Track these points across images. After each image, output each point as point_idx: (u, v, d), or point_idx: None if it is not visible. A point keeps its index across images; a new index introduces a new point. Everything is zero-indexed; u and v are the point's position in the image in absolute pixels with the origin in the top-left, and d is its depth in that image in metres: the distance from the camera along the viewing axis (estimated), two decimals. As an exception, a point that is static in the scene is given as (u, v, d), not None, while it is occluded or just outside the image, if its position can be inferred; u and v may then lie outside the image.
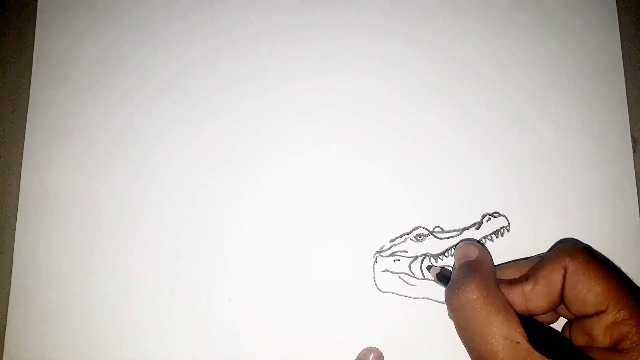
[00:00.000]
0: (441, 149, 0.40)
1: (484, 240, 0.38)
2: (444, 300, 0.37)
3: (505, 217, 0.38)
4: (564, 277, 0.30)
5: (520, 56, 0.41)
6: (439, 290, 0.38)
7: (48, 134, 0.41)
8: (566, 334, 0.33)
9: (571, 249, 0.31)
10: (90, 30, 0.42)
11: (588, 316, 0.30)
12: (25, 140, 0.41)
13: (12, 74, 0.42)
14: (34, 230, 0.39)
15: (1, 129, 0.41)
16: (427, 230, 0.38)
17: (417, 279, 0.38)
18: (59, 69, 0.42)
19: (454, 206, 0.39)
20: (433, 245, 0.38)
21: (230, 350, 0.38)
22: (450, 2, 0.42)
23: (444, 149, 0.40)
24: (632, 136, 0.40)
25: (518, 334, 0.28)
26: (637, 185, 0.39)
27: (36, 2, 0.43)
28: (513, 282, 0.32)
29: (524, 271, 0.33)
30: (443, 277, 0.35)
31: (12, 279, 0.39)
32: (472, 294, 0.30)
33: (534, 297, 0.31)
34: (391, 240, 0.38)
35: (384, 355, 0.37)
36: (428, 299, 0.38)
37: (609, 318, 0.28)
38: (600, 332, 0.29)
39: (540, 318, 0.33)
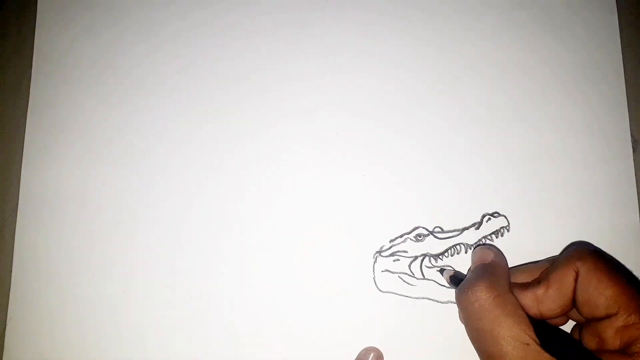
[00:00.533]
0: (441, 149, 0.40)
1: (484, 240, 0.38)
2: (444, 300, 0.37)
3: (505, 217, 0.38)
4: (576, 280, 0.30)
5: (520, 56, 0.41)
6: (439, 291, 0.38)
7: (48, 133, 0.41)
8: (575, 336, 0.33)
9: (582, 252, 0.31)
10: (90, 30, 0.42)
11: (599, 319, 0.30)
12: (25, 140, 0.41)
13: (12, 73, 0.42)
14: (34, 230, 0.39)
15: (1, 129, 0.41)
16: (427, 230, 0.38)
17: (417, 279, 0.38)
18: (59, 69, 0.42)
19: (454, 206, 0.39)
20: (433, 245, 0.38)
21: (230, 350, 0.38)
22: (450, 2, 0.42)
23: (444, 149, 0.40)
24: (632, 136, 0.40)
25: (528, 336, 0.28)
26: (637, 185, 0.39)
27: (36, 2, 0.43)
28: (525, 286, 0.32)
29: (536, 275, 0.33)
30: (456, 279, 0.35)
31: (12, 279, 0.39)
32: (483, 294, 0.30)
33: (546, 300, 0.31)
34: (391, 240, 0.38)
35: (384, 355, 0.37)
36: (428, 299, 0.38)
37: (619, 321, 0.28)
38: (611, 335, 0.29)
39: (550, 321, 0.33)
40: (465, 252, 0.38)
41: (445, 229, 0.38)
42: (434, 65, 0.41)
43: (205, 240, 0.39)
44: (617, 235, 0.38)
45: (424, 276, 0.38)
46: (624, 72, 0.41)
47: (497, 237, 0.38)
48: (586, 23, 0.41)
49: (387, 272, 0.38)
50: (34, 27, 0.42)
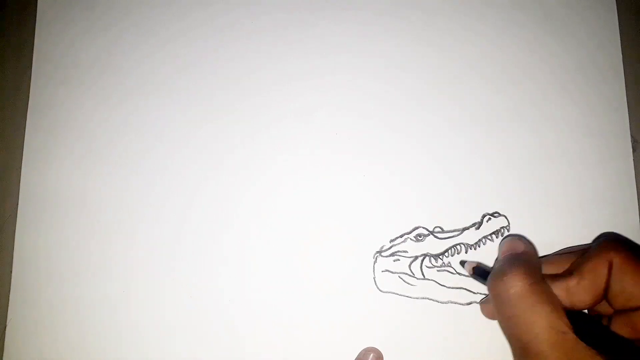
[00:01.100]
0: (441, 149, 0.40)
1: (484, 240, 0.38)
2: (444, 300, 0.37)
3: (505, 217, 0.38)
4: (609, 271, 0.30)
5: (520, 56, 0.41)
6: (439, 291, 0.38)
7: (48, 134, 0.41)
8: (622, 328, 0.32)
9: (616, 243, 0.31)
10: (89, 30, 0.42)
11: (633, 309, 0.29)
12: (25, 140, 0.41)
13: (12, 73, 0.42)
14: (34, 230, 0.39)
15: (1, 129, 0.41)
16: (427, 230, 0.38)
17: (417, 279, 0.38)
18: (59, 69, 0.42)
19: (454, 206, 0.39)
20: (433, 245, 0.38)
21: (230, 350, 0.38)
22: (450, 2, 0.42)
23: (444, 149, 0.40)
24: (631, 136, 0.40)
25: (564, 324, 0.28)
26: (637, 185, 0.39)
27: (36, 2, 0.43)
28: (556, 277, 0.31)
29: (565, 266, 0.32)
30: (480, 270, 0.35)
31: (12, 279, 0.39)
32: (519, 281, 0.29)
33: (578, 291, 0.30)
34: (391, 240, 0.38)
35: (384, 355, 0.37)
36: (428, 299, 0.38)
37: None
38: None
39: None
40: (466, 252, 0.38)
41: (445, 229, 0.38)
42: (434, 65, 0.41)
43: (205, 240, 0.39)
44: (617, 235, 0.38)
45: (424, 276, 0.38)
46: (624, 72, 0.41)
47: (497, 237, 0.38)
48: (586, 23, 0.41)
49: (387, 272, 0.38)
50: (34, 27, 0.42)
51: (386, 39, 0.42)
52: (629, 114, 0.40)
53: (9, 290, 0.39)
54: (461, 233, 0.38)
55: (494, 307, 0.31)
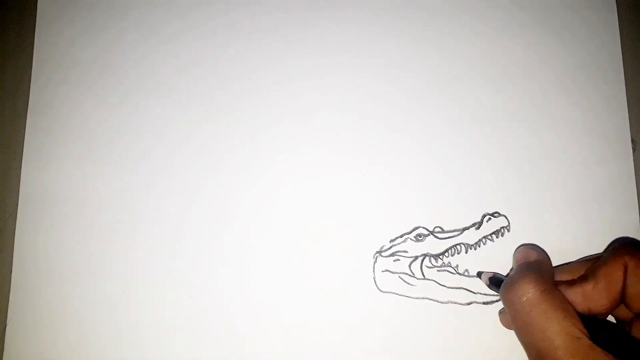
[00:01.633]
0: (441, 149, 0.40)
1: (484, 240, 0.38)
2: (444, 300, 0.37)
3: (505, 217, 0.38)
4: (625, 274, 0.30)
5: (520, 57, 0.41)
6: (439, 291, 0.38)
7: (48, 133, 0.41)
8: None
9: (630, 247, 0.31)
10: (89, 30, 0.42)
11: None
12: (25, 140, 0.41)
13: (12, 73, 0.42)
14: (33, 230, 0.39)
15: (1, 129, 0.41)
16: (427, 230, 0.38)
17: (417, 279, 0.38)
18: (59, 69, 0.42)
19: (454, 206, 0.39)
20: (433, 245, 0.38)
21: (229, 350, 0.38)
22: (450, 2, 0.42)
23: (444, 149, 0.40)
24: (631, 136, 0.40)
25: (578, 330, 0.28)
26: (636, 185, 0.39)
27: (36, 2, 0.43)
28: (572, 283, 0.31)
29: (579, 273, 0.32)
30: (496, 280, 0.35)
31: (12, 279, 0.39)
32: (531, 289, 0.29)
33: (595, 296, 0.30)
34: (391, 240, 0.38)
35: (384, 355, 0.37)
36: (428, 299, 0.38)
37: None
38: None
39: None
40: (466, 252, 0.38)
41: (445, 229, 0.38)
42: (435, 65, 0.41)
43: (205, 240, 0.39)
44: (617, 235, 0.38)
45: (424, 276, 0.38)
46: (624, 73, 0.41)
47: (497, 237, 0.38)
48: (586, 23, 0.41)
49: (387, 272, 0.38)
50: (34, 27, 0.42)
51: (386, 38, 0.42)
52: (629, 114, 0.40)
53: (9, 290, 0.39)
54: (461, 233, 0.38)
55: (509, 315, 0.31)
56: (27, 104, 0.41)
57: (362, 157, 0.40)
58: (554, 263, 0.35)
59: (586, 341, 0.27)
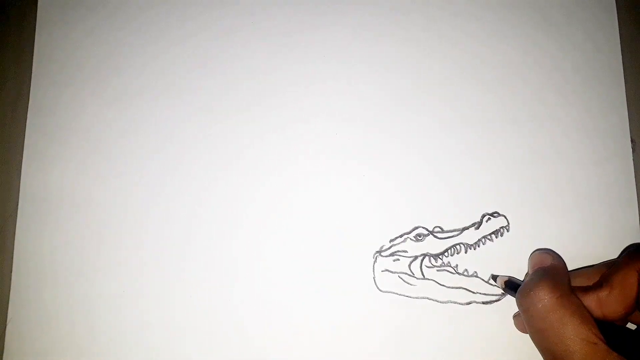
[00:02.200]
0: (441, 149, 0.40)
1: (484, 240, 0.38)
2: (444, 300, 0.37)
3: (505, 217, 0.38)
4: (639, 281, 0.30)
5: (520, 57, 0.41)
6: (439, 291, 0.38)
7: (48, 134, 0.41)
8: None
9: None
10: (89, 31, 0.42)
11: None
12: (25, 141, 0.41)
13: (12, 74, 0.42)
14: (34, 230, 0.39)
15: (1, 130, 0.41)
16: (427, 230, 0.38)
17: (417, 278, 0.38)
18: (59, 70, 0.42)
19: (454, 206, 0.39)
20: (433, 245, 0.38)
21: (230, 350, 0.38)
22: (449, 5, 0.42)
23: (444, 149, 0.40)
24: (631, 137, 0.40)
25: (595, 335, 0.28)
26: (636, 185, 0.39)
27: (36, 3, 0.43)
28: (586, 289, 0.31)
29: (595, 278, 0.33)
30: (511, 284, 0.35)
31: (12, 279, 0.39)
32: (546, 294, 0.29)
33: (610, 302, 0.31)
34: (391, 240, 0.38)
35: (384, 355, 0.37)
36: (428, 298, 0.38)
37: None
38: None
39: None
40: (466, 252, 0.38)
41: (445, 228, 0.38)
42: (436, 66, 0.41)
43: (204, 241, 0.39)
44: (617, 235, 0.38)
45: (424, 276, 0.38)
46: (624, 73, 0.41)
47: (497, 237, 0.38)
48: (585, 23, 0.41)
49: (387, 272, 0.38)
50: (34, 29, 0.42)
51: (386, 42, 0.42)
52: (628, 114, 0.40)
53: (9, 290, 0.39)
54: (461, 233, 0.38)
55: (524, 321, 0.31)
56: (28, 104, 0.41)
57: (362, 158, 0.40)
58: (554, 263, 0.35)
59: (603, 346, 0.27)
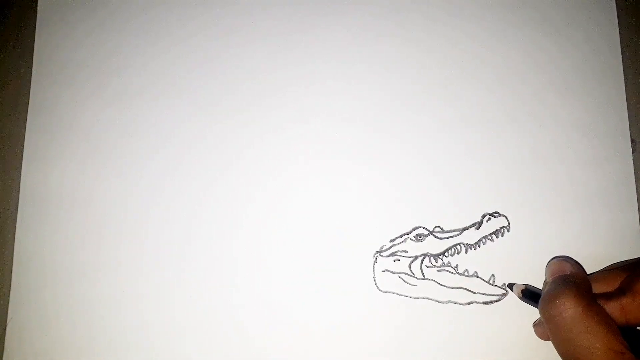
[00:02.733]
0: (441, 150, 0.40)
1: (484, 240, 0.38)
2: (444, 300, 0.37)
3: (505, 217, 0.38)
4: None
5: (520, 57, 0.41)
6: (439, 291, 0.38)
7: (48, 134, 0.41)
8: None
9: None
10: (89, 31, 0.42)
11: None
12: (25, 140, 0.41)
13: (12, 74, 0.42)
14: (34, 230, 0.39)
15: (1, 129, 0.41)
16: (427, 230, 0.38)
17: (417, 278, 0.38)
18: (59, 70, 0.42)
19: (454, 206, 0.39)
20: (433, 245, 0.38)
21: (229, 350, 0.38)
22: (448, 5, 0.42)
23: (444, 149, 0.40)
24: (631, 136, 0.40)
25: (621, 345, 0.28)
26: (636, 185, 0.39)
27: (36, 3, 0.43)
28: (609, 296, 0.31)
29: (614, 284, 0.32)
30: (529, 293, 0.35)
31: (12, 279, 0.39)
32: (572, 304, 0.29)
33: (633, 309, 0.30)
34: (391, 240, 0.38)
35: (384, 355, 0.37)
36: (428, 299, 0.38)
37: None
38: None
39: None
40: (466, 252, 0.38)
41: (445, 229, 0.38)
42: (435, 66, 0.41)
43: (205, 240, 0.39)
44: (616, 235, 0.38)
45: (424, 276, 0.38)
46: (624, 73, 0.41)
47: (497, 237, 0.38)
48: (585, 23, 0.41)
49: (387, 272, 0.38)
50: (34, 29, 0.42)
51: (386, 41, 0.42)
52: (628, 114, 0.40)
53: (9, 290, 0.39)
54: (461, 233, 0.38)
55: (547, 330, 0.31)
56: (28, 104, 0.41)
57: (362, 157, 0.40)
58: (554, 263, 0.36)
59: (630, 356, 0.27)
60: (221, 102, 0.41)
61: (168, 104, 0.41)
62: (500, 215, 0.38)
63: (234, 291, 0.38)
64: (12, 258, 0.39)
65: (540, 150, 0.40)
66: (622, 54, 0.41)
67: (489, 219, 0.38)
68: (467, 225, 0.38)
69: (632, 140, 0.40)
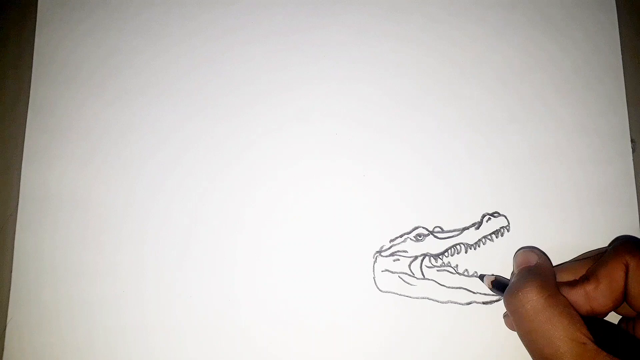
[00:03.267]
0: (441, 149, 0.40)
1: (484, 240, 0.38)
2: (444, 300, 0.37)
3: (505, 217, 0.38)
4: (626, 273, 0.30)
5: (520, 57, 0.41)
6: (439, 291, 0.38)
7: (48, 134, 0.41)
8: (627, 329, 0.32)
9: (630, 246, 0.31)
10: (90, 31, 0.42)
11: None
12: (25, 140, 0.41)
13: (12, 74, 0.42)
14: (34, 230, 0.39)
15: (1, 129, 0.41)
16: (427, 230, 0.38)
17: (417, 278, 0.38)
18: (59, 70, 0.42)
19: (454, 206, 0.39)
20: (433, 245, 0.38)
21: (229, 350, 0.38)
22: (449, 5, 0.42)
23: (444, 149, 0.40)
24: (631, 137, 0.40)
25: (584, 335, 0.28)
26: (636, 185, 0.39)
27: (36, 3, 0.43)
28: (573, 284, 0.31)
29: (580, 272, 0.32)
30: (498, 284, 0.35)
31: (12, 279, 0.39)
32: (534, 295, 0.29)
33: (597, 296, 0.30)
34: (391, 240, 0.38)
35: (384, 355, 0.37)
36: (428, 299, 0.38)
37: None
38: None
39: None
40: (466, 252, 0.38)
41: (445, 229, 0.38)
42: (434, 66, 0.41)
43: (205, 241, 0.39)
44: (616, 235, 0.38)
45: (424, 276, 0.38)
46: (624, 73, 0.41)
47: (497, 237, 0.38)
48: (585, 23, 0.41)
49: (387, 272, 0.38)
50: (34, 29, 0.42)
51: (386, 42, 0.42)
52: (628, 114, 0.40)
53: (9, 290, 0.39)
54: (461, 233, 0.38)
55: (513, 322, 0.31)
56: (28, 104, 0.41)
57: (362, 157, 0.40)
58: (554, 263, 0.35)
59: (592, 346, 0.27)
60: (221, 102, 0.41)
61: (168, 104, 0.41)
62: (500, 215, 0.38)
63: (234, 291, 0.38)
64: (12, 258, 0.39)
65: (540, 150, 0.40)
66: (622, 54, 0.41)
67: (489, 219, 0.38)
68: (467, 225, 0.38)
69: (632, 140, 0.40)
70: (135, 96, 0.41)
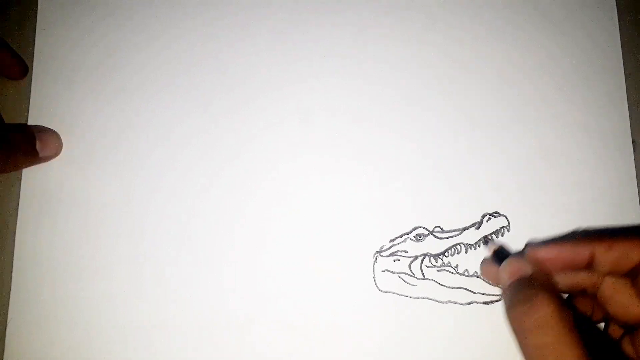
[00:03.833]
0: (441, 149, 0.40)
1: (484, 240, 0.38)
2: (444, 300, 0.37)
3: (505, 217, 0.38)
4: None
5: (520, 57, 0.41)
6: (439, 291, 0.38)
7: (48, 134, 0.41)
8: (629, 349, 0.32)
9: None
10: (90, 31, 0.42)
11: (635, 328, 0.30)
12: (25, 141, 0.41)
13: (12, 74, 0.42)
14: (34, 230, 0.39)
15: (1, 129, 0.41)
16: (427, 230, 0.38)
17: (417, 278, 0.38)
18: (60, 70, 0.42)
19: (454, 206, 0.39)
20: (433, 245, 0.38)
21: (228, 349, 0.38)
22: (449, 4, 0.42)
23: (444, 149, 0.40)
24: (632, 136, 0.40)
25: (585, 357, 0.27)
26: (637, 186, 0.39)
27: (36, 3, 0.43)
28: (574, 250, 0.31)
29: (577, 256, 0.31)
30: (500, 254, 0.35)
31: (12, 279, 0.39)
32: (541, 310, 0.28)
33: (605, 260, 0.30)
34: (391, 240, 0.38)
35: (384, 355, 0.37)
36: (428, 299, 0.38)
37: None
38: None
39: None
40: (466, 252, 0.38)
41: (445, 228, 0.38)
42: (436, 66, 0.41)
43: (205, 240, 0.39)
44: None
45: (424, 276, 0.38)
46: (624, 73, 0.41)
47: (497, 237, 0.38)
48: (586, 23, 0.41)
49: (387, 272, 0.38)
50: (34, 29, 0.42)
51: (386, 40, 0.42)
52: (629, 114, 0.40)
53: (9, 290, 0.39)
54: (461, 233, 0.38)
55: (515, 335, 0.29)
56: (28, 104, 0.41)
57: (362, 157, 0.40)
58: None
59: None
60: (221, 100, 0.41)
61: (169, 102, 0.41)
62: (500, 215, 0.38)
63: (234, 291, 0.38)
64: (12, 258, 0.39)
65: (541, 150, 0.40)
66: (622, 54, 0.41)
67: (489, 219, 0.38)
68: (467, 225, 0.38)
69: (633, 141, 0.40)
70: (136, 96, 0.41)
